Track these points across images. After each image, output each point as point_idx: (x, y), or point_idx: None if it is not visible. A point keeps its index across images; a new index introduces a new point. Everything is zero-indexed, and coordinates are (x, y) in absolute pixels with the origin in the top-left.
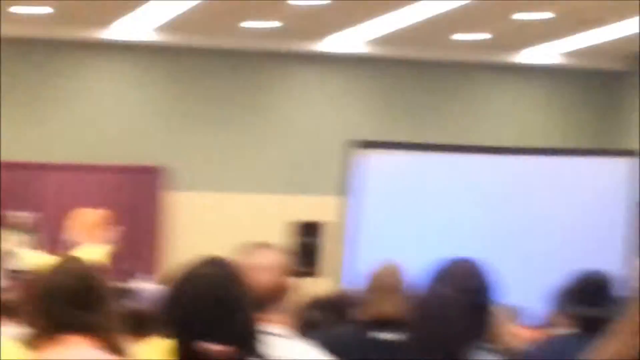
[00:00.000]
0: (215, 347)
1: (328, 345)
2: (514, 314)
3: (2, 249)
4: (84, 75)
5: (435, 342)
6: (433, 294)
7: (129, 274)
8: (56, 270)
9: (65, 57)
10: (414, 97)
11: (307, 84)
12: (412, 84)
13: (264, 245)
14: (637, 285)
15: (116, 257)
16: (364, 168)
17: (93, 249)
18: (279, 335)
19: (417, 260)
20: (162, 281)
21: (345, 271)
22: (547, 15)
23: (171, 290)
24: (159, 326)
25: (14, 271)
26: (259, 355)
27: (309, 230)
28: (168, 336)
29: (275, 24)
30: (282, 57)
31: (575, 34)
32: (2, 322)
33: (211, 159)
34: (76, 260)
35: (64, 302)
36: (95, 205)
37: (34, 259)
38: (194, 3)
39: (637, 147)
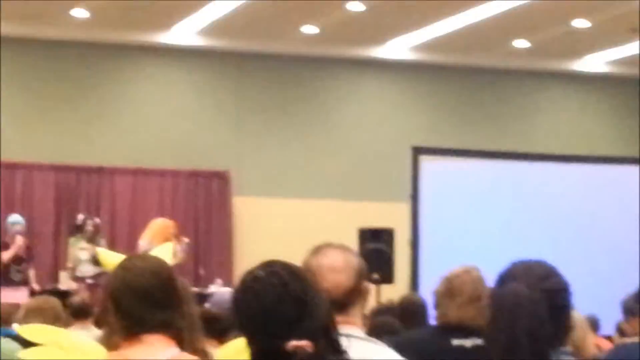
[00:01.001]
0: (302, 344)
1: (404, 350)
2: (593, 324)
3: (69, 254)
4: (148, 79)
5: (519, 343)
6: (514, 293)
7: (204, 279)
8: (132, 269)
9: (128, 61)
10: (471, 103)
11: (369, 90)
12: (468, 90)
13: (336, 247)
14: None
15: (190, 262)
16: (425, 174)
17: (163, 250)
18: (357, 337)
19: (486, 265)
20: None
21: (416, 277)
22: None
23: (239, 296)
24: (237, 329)
25: (81, 277)
26: (338, 355)
27: (377, 236)
28: (246, 339)
29: (335, 28)
30: (344, 62)
31: (624, 43)
32: (76, 325)
33: (278, 164)
34: (151, 258)
35: (142, 300)
36: (162, 209)
37: (110, 258)
38: (254, 7)
39: None
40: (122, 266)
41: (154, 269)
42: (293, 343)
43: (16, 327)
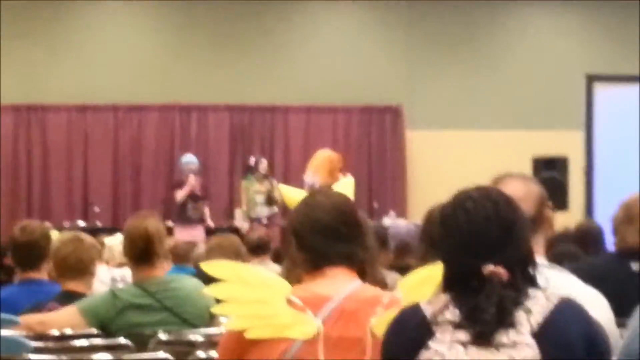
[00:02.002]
0: (499, 270)
1: (585, 276)
2: None
3: (242, 195)
4: (320, 16)
5: None
6: None
7: (378, 212)
8: (315, 205)
9: (290, 2)
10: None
11: (540, 18)
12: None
13: (517, 176)
14: None
15: (364, 196)
16: (599, 101)
17: (343, 184)
18: (542, 265)
19: None
20: (425, 218)
21: (591, 203)
22: None
23: (448, 213)
24: (418, 258)
25: (255, 218)
26: (535, 284)
27: (551, 165)
28: (445, 258)
29: None
30: None
31: None
32: (254, 260)
33: (450, 97)
34: (333, 194)
35: (325, 235)
36: (335, 146)
37: (292, 195)
38: None
39: None
40: (305, 202)
41: (337, 204)
42: (490, 267)
43: (201, 264)
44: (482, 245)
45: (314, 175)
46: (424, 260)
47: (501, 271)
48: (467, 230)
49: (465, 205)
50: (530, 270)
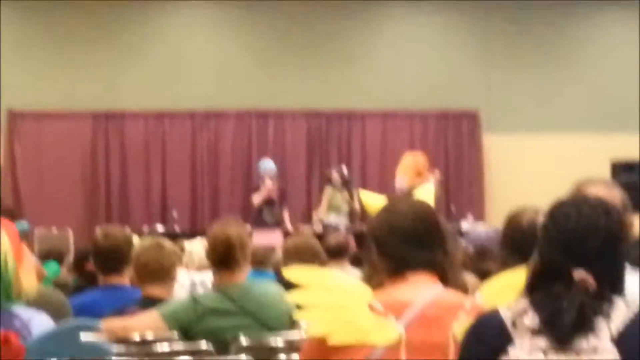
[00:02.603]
0: (589, 279)
1: None
2: None
3: (324, 201)
4: (397, 21)
5: None
6: None
7: (455, 216)
8: (396, 212)
9: (375, 5)
10: None
11: (617, 18)
12: None
13: (600, 182)
14: None
15: (442, 199)
16: None
17: (422, 190)
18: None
19: None
20: (507, 223)
21: None
22: None
23: (562, 210)
24: (496, 264)
25: (333, 225)
26: (621, 292)
27: (631, 169)
28: (539, 254)
29: None
30: None
31: None
32: (332, 264)
33: (526, 99)
34: (413, 201)
35: (406, 241)
36: (411, 151)
37: (373, 201)
38: None
39: None
40: (385, 208)
41: (417, 210)
42: (582, 273)
43: (282, 270)
44: (582, 250)
45: (402, 178)
46: (505, 265)
47: (590, 280)
48: (574, 232)
49: (581, 208)
50: (620, 287)
